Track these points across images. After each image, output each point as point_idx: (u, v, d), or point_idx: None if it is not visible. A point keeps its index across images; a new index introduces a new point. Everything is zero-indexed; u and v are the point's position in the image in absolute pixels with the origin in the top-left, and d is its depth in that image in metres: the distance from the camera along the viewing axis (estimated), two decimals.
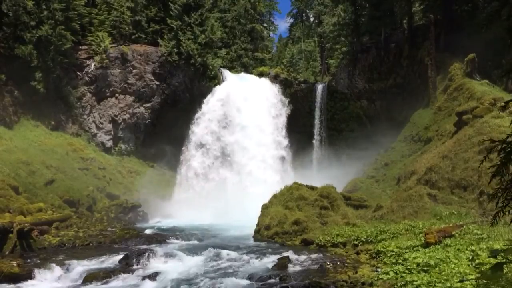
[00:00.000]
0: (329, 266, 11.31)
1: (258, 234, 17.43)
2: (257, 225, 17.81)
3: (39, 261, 12.57)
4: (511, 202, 3.80)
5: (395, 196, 18.37)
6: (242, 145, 31.85)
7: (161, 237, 17.35)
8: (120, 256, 12.94)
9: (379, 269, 10.19)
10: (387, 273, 9.25)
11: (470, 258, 8.90)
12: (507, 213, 3.84)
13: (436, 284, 7.74)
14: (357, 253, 12.70)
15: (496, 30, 18.50)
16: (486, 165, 4.12)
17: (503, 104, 3.97)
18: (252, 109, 33.29)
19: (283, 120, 34.61)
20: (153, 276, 10.79)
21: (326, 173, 28.64)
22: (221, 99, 33.41)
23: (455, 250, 9.77)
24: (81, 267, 11.97)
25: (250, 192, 26.94)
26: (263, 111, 33.87)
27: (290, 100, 35.03)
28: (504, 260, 3.69)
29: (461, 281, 7.28)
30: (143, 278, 10.75)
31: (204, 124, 33.27)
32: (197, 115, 33.26)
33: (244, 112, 33.13)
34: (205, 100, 33.38)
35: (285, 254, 12.97)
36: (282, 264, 11.58)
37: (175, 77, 32.96)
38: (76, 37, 30.62)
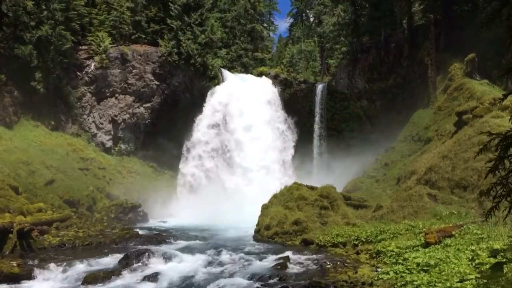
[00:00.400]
0: (329, 266, 11.30)
1: (258, 234, 17.42)
2: (257, 225, 17.81)
3: (39, 261, 12.57)
4: (506, 197, 3.81)
5: (395, 196, 18.37)
6: (245, 196, 26.57)
7: (161, 237, 17.35)
8: (120, 256, 12.93)
9: (379, 269, 10.19)
10: (387, 273, 9.24)
11: (470, 258, 8.90)
12: (504, 209, 3.85)
13: (436, 284, 7.74)
14: (357, 253, 12.70)
15: (496, 30, 18.49)
16: (484, 164, 4.15)
17: (501, 97, 3.96)
18: (254, 142, 28.91)
19: (290, 153, 31.16)
20: (153, 277, 10.79)
21: (326, 173, 28.66)
22: (215, 125, 29.56)
23: (455, 250, 9.76)
24: (81, 267, 11.98)
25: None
26: (268, 143, 29.75)
27: (296, 121, 31.82)
28: (504, 260, 3.69)
29: (461, 281, 7.27)
30: (143, 278, 10.75)
31: (194, 162, 29.47)
32: (186, 145, 29.58)
33: (246, 146, 29.06)
34: (196, 121, 29.99)
35: (285, 254, 12.96)
36: (282, 264, 11.58)
37: (175, 77, 32.95)
38: (76, 37, 30.62)
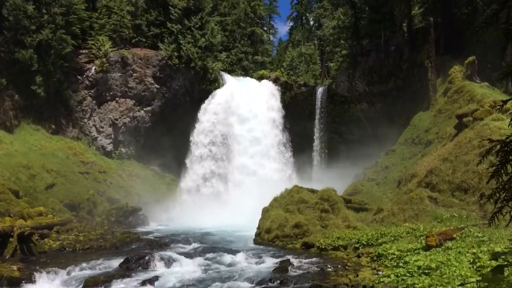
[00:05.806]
0: (330, 269, 11.28)
1: (258, 237, 17.39)
2: (258, 228, 17.77)
3: (39, 265, 12.54)
4: (509, 202, 3.80)
5: (396, 199, 18.33)
6: (245, 200, 26.23)
7: (162, 241, 17.33)
8: (120, 260, 12.90)
9: (380, 272, 10.16)
10: (388, 276, 9.22)
11: (471, 261, 8.88)
12: (506, 214, 3.83)
13: (437, 287, 7.72)
14: (358, 256, 12.68)
15: (495, 33, 18.49)
16: (485, 167, 4.15)
17: (501, 103, 3.96)
18: (255, 146, 29.47)
19: (290, 156, 31.20)
20: (153, 280, 10.77)
21: (327, 176, 28.59)
22: (216, 128, 29.25)
23: (456, 253, 9.74)
24: (81, 271, 11.96)
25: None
26: (268, 147, 30.31)
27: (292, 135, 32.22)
28: (505, 262, 3.67)
29: (462, 284, 7.24)
30: (143, 282, 10.72)
31: (195, 165, 29.28)
32: (187, 148, 29.86)
33: (246, 150, 29.40)
34: (196, 124, 30.26)
35: (285, 257, 12.94)
36: (283, 267, 11.55)
37: (175, 81, 32.99)
38: (77, 41, 30.69)
